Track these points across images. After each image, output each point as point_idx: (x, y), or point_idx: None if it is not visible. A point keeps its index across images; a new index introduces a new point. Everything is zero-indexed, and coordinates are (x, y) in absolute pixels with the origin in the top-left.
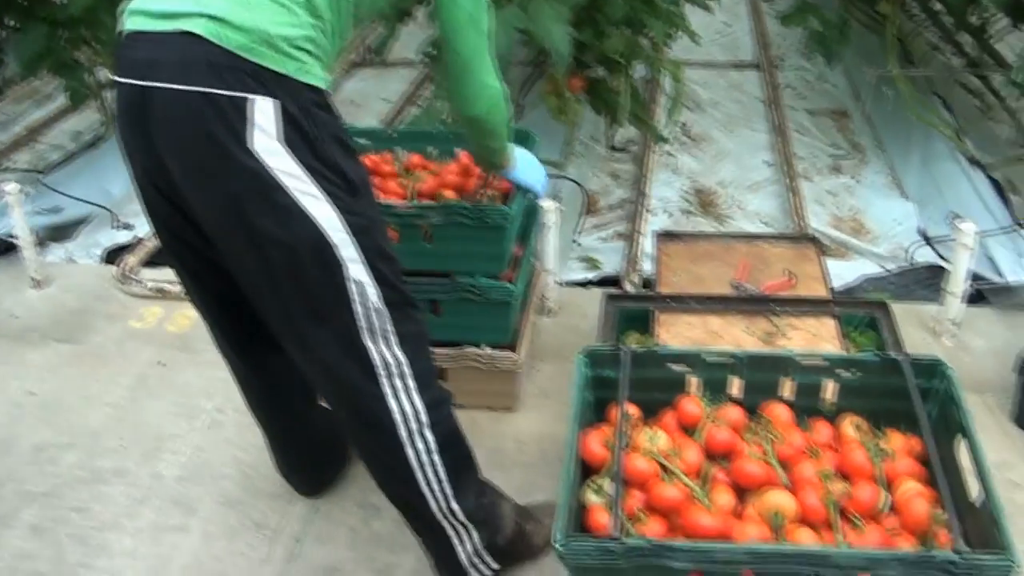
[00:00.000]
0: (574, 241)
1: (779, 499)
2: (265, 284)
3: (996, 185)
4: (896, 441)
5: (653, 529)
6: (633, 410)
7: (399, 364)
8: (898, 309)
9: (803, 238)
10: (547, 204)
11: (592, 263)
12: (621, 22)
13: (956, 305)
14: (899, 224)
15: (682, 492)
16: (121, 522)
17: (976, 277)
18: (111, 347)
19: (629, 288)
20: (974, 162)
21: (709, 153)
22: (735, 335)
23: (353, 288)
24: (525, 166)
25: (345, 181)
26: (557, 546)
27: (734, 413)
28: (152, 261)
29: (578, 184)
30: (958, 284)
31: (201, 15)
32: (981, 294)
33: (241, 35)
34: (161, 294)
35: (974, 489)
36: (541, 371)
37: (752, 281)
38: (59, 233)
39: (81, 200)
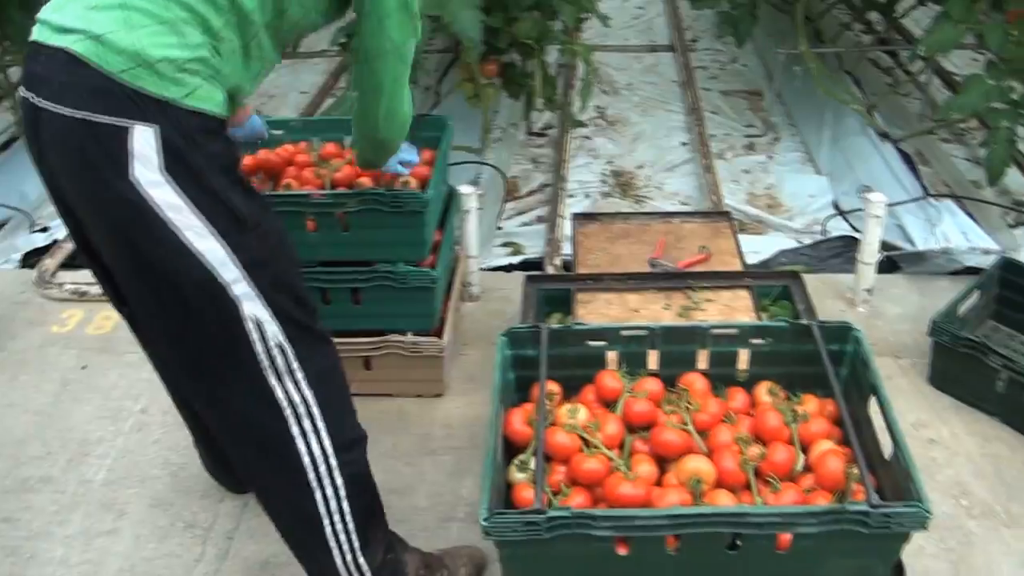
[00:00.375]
0: (497, 227)
1: (697, 465)
2: (160, 321)
3: (906, 157)
4: (811, 404)
5: (577, 501)
6: (555, 387)
7: (307, 404)
8: (813, 280)
9: (717, 215)
10: (466, 189)
11: (515, 248)
12: (531, 6)
13: (869, 274)
14: (813, 199)
15: (603, 464)
16: (51, 530)
17: (889, 246)
18: (32, 353)
19: (551, 271)
20: (884, 136)
21: (626, 136)
22: (653, 311)
23: (251, 326)
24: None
25: (234, 216)
26: (482, 522)
27: (652, 385)
28: (70, 263)
29: (498, 170)
30: (870, 253)
31: (85, 33)
32: (894, 262)
33: (121, 58)
34: (81, 297)
35: (887, 445)
36: (467, 356)
37: (668, 258)
38: None
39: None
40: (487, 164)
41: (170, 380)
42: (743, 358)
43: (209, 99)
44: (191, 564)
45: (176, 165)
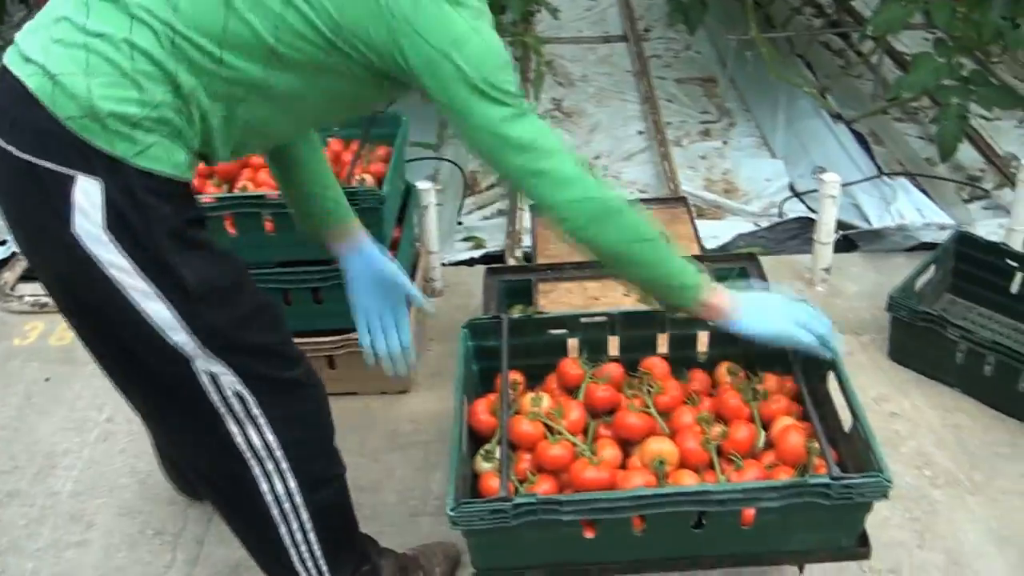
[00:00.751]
0: (458, 222)
1: (660, 446)
2: (112, 371)
3: (860, 138)
4: (771, 382)
5: (543, 488)
6: (518, 377)
7: (269, 448)
8: (772, 262)
9: (674, 200)
10: (424, 185)
11: (476, 242)
12: None
13: (826, 253)
14: (769, 182)
15: (568, 450)
16: (20, 544)
17: (845, 226)
18: None
19: (512, 263)
20: (838, 117)
21: (583, 127)
22: (613, 297)
23: (205, 379)
24: (759, 311)
25: (181, 287)
26: (449, 512)
27: (614, 370)
28: (30, 276)
29: (456, 165)
30: (826, 233)
31: (42, 68)
32: (851, 241)
33: (72, 104)
34: (42, 308)
35: (846, 418)
36: (432, 351)
37: None
38: None
39: None
40: (445, 160)
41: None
42: (703, 340)
43: (164, 160)
44: (162, 571)
45: (119, 225)
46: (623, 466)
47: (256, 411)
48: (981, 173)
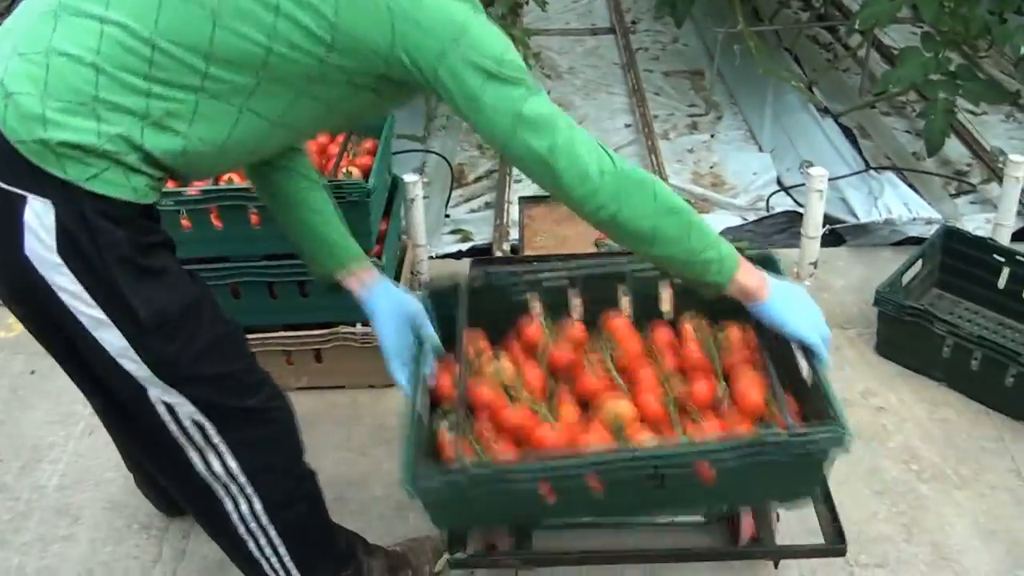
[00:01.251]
0: (445, 215)
1: (617, 406)
2: (78, 384)
3: (847, 132)
4: (734, 334)
5: (503, 450)
6: (482, 342)
7: (231, 473)
8: (756, 253)
9: None
10: (410, 178)
11: (463, 235)
12: None
13: (813, 247)
14: (757, 176)
15: (526, 412)
16: (5, 538)
17: (832, 220)
18: None
19: (499, 255)
20: (825, 111)
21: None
22: None
23: (161, 409)
24: (786, 300)
25: (130, 314)
26: (405, 487)
27: (575, 331)
28: None
29: (443, 158)
30: (814, 227)
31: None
32: (838, 235)
33: (21, 124)
34: None
35: (804, 369)
36: None
37: None
38: None
39: None
40: (432, 152)
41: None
42: (665, 295)
43: (120, 184)
44: (148, 565)
45: (70, 249)
46: (583, 427)
47: (216, 439)
48: (968, 168)
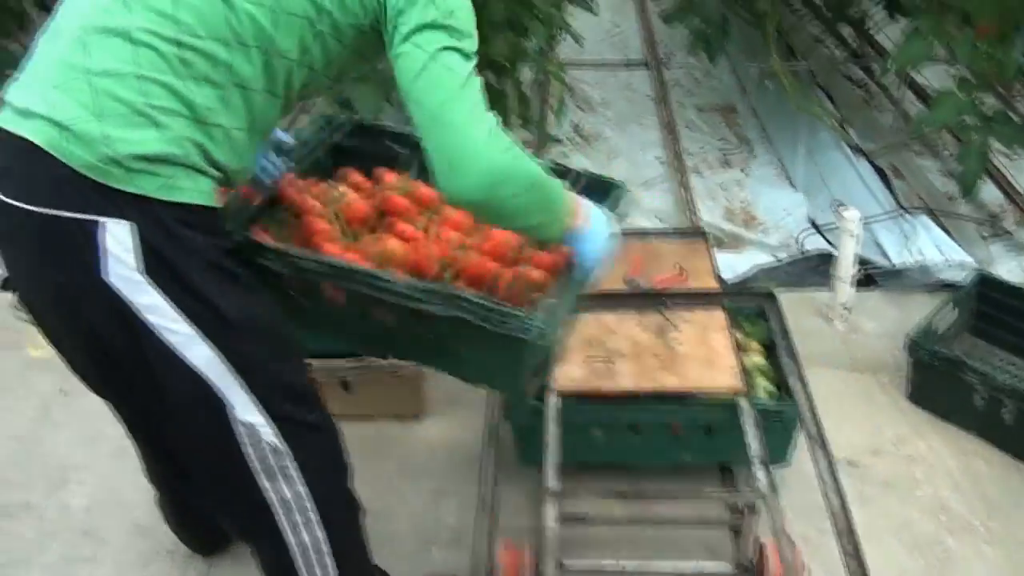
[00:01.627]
0: None
1: (391, 244)
2: (146, 417)
3: (880, 171)
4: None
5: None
6: (354, 175)
7: (300, 498)
8: (791, 297)
9: (693, 233)
10: None
11: None
12: (503, 26)
13: (846, 290)
14: (789, 214)
15: (327, 227)
16: (31, 557)
17: (865, 262)
18: (11, 377)
19: None
20: (858, 150)
21: (602, 152)
22: (629, 330)
23: (241, 431)
24: (594, 234)
25: (218, 314)
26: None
27: (424, 190)
28: None
29: None
30: (846, 270)
31: (46, 120)
32: (871, 277)
33: (84, 150)
34: None
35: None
36: (446, 377)
37: (644, 276)
38: None
39: None
40: None
41: (144, 443)
42: None
43: (191, 189)
44: None
45: (155, 264)
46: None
47: (288, 463)
48: (1002, 211)
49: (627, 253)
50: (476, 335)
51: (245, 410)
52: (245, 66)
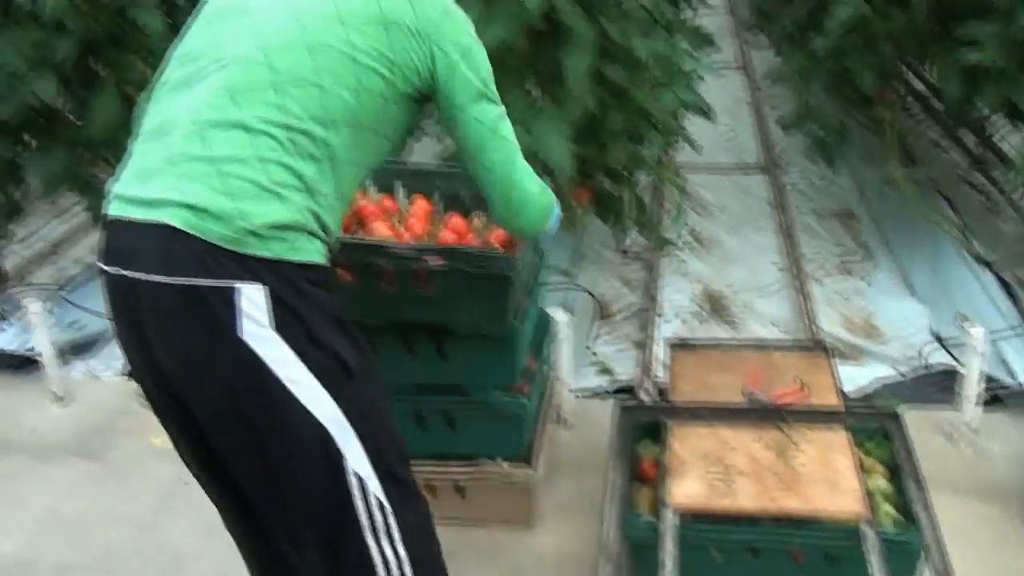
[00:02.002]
0: (587, 347)
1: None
2: (263, 478)
3: (1004, 283)
4: None
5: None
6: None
7: (400, 563)
8: (915, 416)
9: (814, 346)
10: (560, 316)
11: (606, 371)
12: (621, 135)
13: (971, 409)
14: (910, 325)
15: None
16: None
17: (991, 379)
18: (133, 464)
19: (643, 397)
20: (981, 260)
21: (718, 256)
22: (747, 446)
23: (353, 482)
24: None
25: (341, 364)
26: None
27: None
28: None
29: (589, 293)
30: (971, 388)
31: (180, 205)
32: (998, 397)
33: (222, 226)
34: None
35: None
36: (559, 485)
37: (764, 390)
38: (80, 348)
39: (102, 315)
40: (578, 288)
41: (245, 541)
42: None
43: (312, 251)
44: None
45: (286, 320)
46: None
47: (392, 520)
48: None
49: (745, 365)
50: (464, 282)
51: (358, 462)
52: (337, 141)
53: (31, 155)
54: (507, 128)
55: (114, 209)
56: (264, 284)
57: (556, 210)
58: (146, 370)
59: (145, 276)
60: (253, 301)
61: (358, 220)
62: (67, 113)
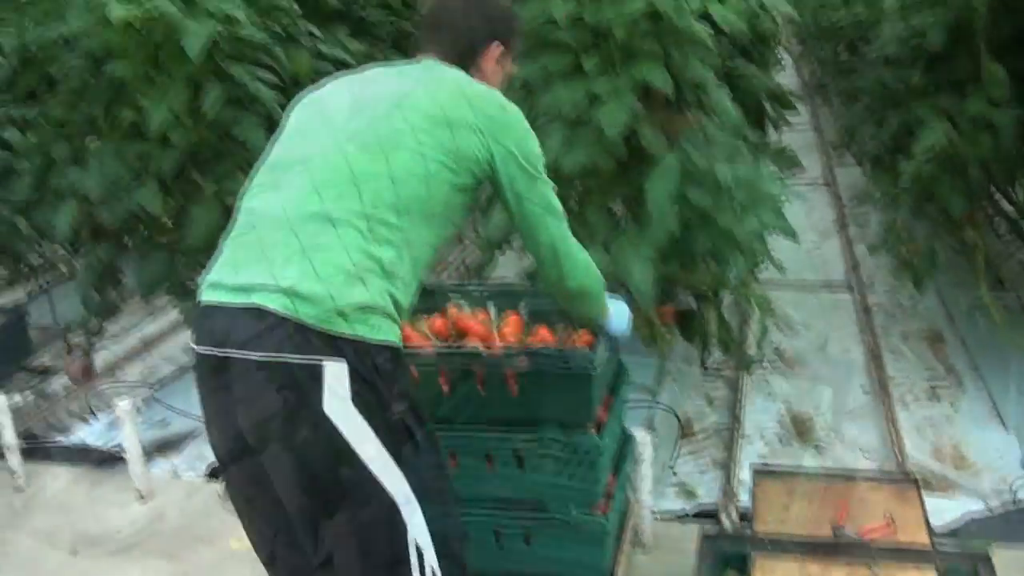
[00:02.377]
0: (669, 467)
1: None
2: (333, 548)
3: None
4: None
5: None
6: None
7: None
8: (1006, 556)
9: (903, 478)
10: (642, 437)
11: (688, 493)
12: (705, 255)
13: None
14: (1000, 457)
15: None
16: None
17: None
18: (211, 568)
19: (725, 522)
20: None
21: (803, 376)
22: None
23: (412, 550)
24: (618, 317)
25: (411, 440)
26: None
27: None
28: None
29: (673, 412)
30: None
31: (272, 289)
32: None
33: (312, 307)
34: None
35: None
36: None
37: (851, 523)
38: (165, 446)
39: (189, 415)
40: (661, 407)
41: None
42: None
43: (390, 331)
44: None
45: (364, 396)
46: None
47: None
48: None
49: (832, 495)
50: (550, 381)
51: (417, 531)
52: (410, 227)
53: (130, 258)
54: (555, 203)
55: (207, 295)
56: (347, 361)
57: (627, 311)
58: (230, 456)
59: (237, 352)
60: (337, 377)
61: (456, 331)
62: (166, 219)
